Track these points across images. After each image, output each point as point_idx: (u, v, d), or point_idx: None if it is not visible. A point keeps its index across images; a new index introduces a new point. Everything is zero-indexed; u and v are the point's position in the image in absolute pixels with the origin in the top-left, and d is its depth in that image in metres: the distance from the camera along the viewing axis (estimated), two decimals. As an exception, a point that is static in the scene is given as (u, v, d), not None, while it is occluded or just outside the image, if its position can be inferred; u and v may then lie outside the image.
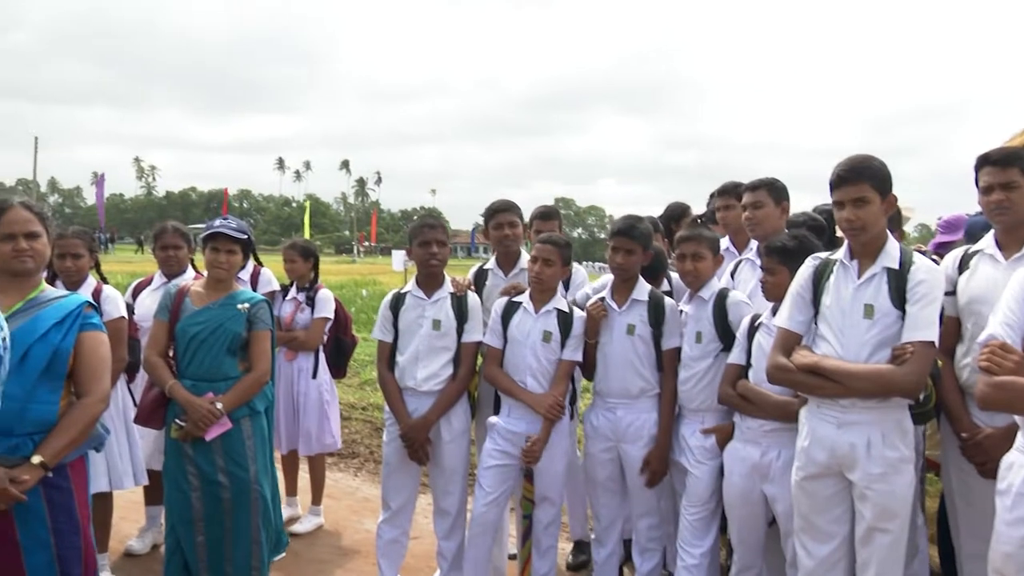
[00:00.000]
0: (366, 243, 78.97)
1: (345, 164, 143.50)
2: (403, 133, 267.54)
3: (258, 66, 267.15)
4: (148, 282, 4.95)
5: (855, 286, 3.00)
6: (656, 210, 5.88)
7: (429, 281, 4.07)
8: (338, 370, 5.44)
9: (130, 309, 4.35)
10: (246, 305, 3.76)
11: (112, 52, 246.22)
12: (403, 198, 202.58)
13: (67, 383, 2.84)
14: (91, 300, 3.00)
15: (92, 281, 4.21)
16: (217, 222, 3.80)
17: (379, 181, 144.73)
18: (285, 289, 5.31)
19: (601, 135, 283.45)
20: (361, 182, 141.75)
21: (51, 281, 3.58)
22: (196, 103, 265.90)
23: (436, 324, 4.00)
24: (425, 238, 4.01)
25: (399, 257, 14.13)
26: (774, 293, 3.41)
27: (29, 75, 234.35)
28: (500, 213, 4.37)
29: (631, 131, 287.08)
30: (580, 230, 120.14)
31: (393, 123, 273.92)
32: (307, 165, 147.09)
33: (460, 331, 4.02)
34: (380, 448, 7.06)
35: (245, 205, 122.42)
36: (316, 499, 5.33)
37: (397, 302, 4.11)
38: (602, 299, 3.90)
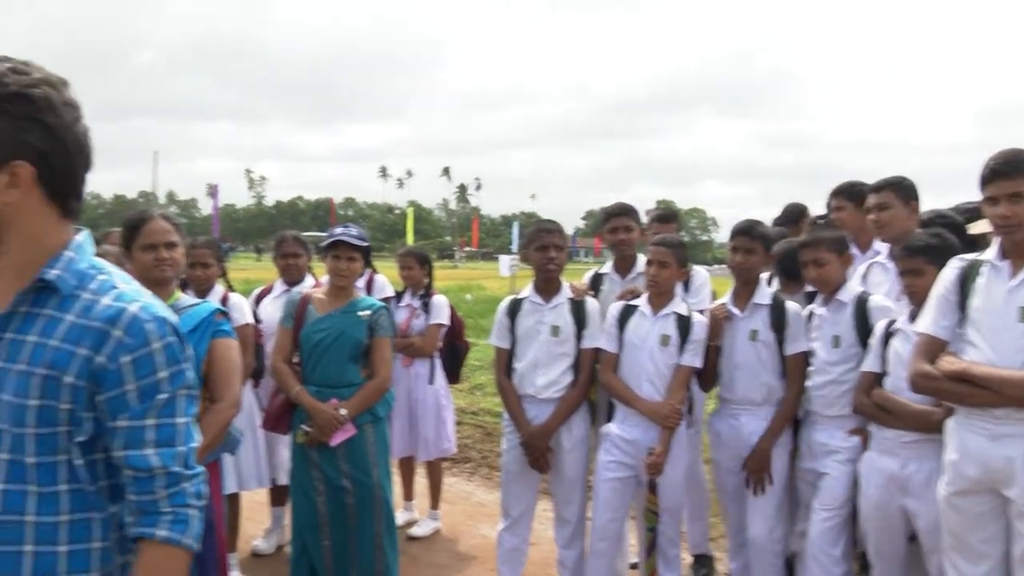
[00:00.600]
0: (467, 248, 79.87)
1: (446, 171, 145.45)
2: (502, 139, 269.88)
3: (363, 78, 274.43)
4: (269, 290, 5.09)
5: (1008, 288, 2.80)
6: (760, 211, 5.69)
7: (547, 286, 4.02)
8: (452, 375, 5.45)
9: (255, 316, 4.47)
10: (367, 312, 3.81)
11: (226, 68, 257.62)
12: (503, 203, 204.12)
13: (200, 389, 2.92)
14: (222, 307, 3.09)
15: (220, 289, 4.34)
16: (338, 230, 3.85)
17: (479, 187, 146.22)
18: (398, 295, 5.36)
19: (702, 136, 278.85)
20: (462, 188, 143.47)
21: (181, 289, 3.70)
22: (303, 115, 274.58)
23: (555, 330, 3.95)
24: (543, 242, 3.97)
25: (506, 262, 14.21)
26: (922, 296, 3.20)
27: (151, 92, 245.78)
28: (615, 217, 4.29)
29: (733, 131, 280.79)
30: (682, 233, 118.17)
31: (492, 129, 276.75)
32: (409, 173, 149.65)
33: (579, 337, 3.96)
34: (492, 453, 7.12)
35: (350, 213, 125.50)
36: (434, 503, 5.36)
37: (514, 308, 4.08)
38: (724, 303, 3.81)
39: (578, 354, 3.96)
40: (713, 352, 3.79)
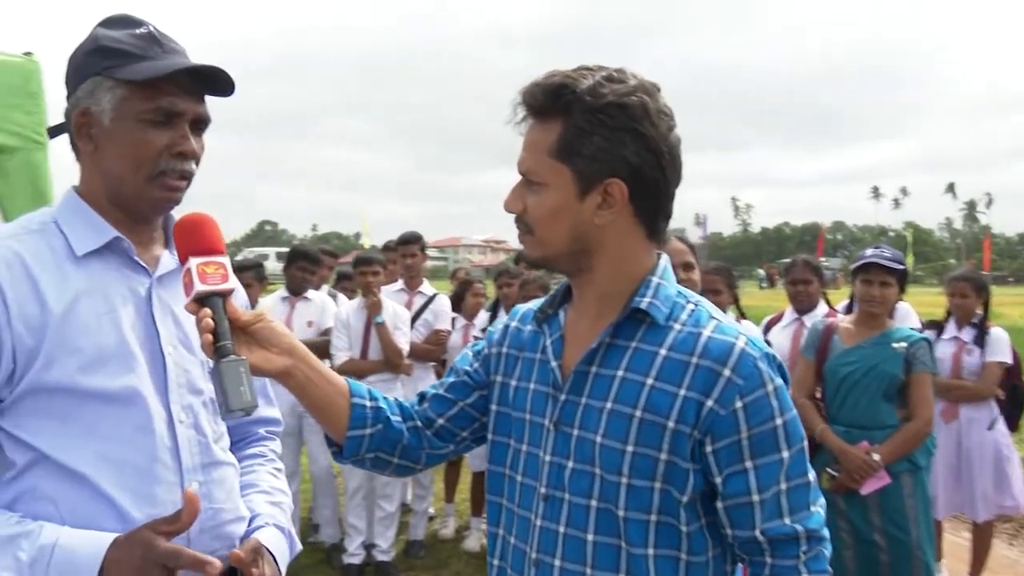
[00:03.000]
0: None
1: (950, 187, 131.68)
2: (1021, 147, 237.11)
3: (852, 95, 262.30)
4: (779, 318, 4.82)
5: None
6: None
7: None
8: (1011, 421, 4.61)
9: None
10: (903, 344, 3.35)
11: (714, 101, 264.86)
12: (1021, 220, 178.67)
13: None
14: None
15: (731, 317, 4.18)
16: (868, 252, 3.47)
17: (990, 203, 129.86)
18: (938, 325, 4.69)
19: None
20: (971, 205, 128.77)
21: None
22: (786, 139, 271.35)
23: None
24: None
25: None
26: None
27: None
28: None
29: None
30: None
31: (1008, 138, 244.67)
32: (904, 191, 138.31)
33: None
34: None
35: (839, 237, 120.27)
36: (975, 570, 4.60)
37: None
38: None
39: None
40: None
